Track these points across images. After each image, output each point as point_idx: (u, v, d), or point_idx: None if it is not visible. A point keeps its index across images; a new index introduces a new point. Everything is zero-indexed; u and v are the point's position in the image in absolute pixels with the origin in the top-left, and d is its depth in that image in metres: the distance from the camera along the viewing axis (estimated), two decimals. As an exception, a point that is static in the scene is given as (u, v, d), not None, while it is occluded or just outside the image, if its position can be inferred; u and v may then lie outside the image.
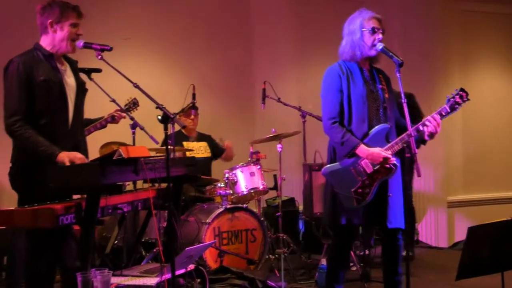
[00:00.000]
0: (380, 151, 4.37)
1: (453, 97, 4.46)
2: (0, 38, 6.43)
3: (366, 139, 4.45)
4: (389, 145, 4.44)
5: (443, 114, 4.45)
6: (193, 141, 6.91)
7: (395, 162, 4.39)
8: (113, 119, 5.64)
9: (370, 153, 4.38)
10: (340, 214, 4.51)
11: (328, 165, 4.56)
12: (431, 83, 8.40)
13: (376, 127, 4.48)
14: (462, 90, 4.47)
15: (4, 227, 5.22)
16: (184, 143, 6.75)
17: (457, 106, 4.45)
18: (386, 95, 4.59)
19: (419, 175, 4.19)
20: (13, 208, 3.87)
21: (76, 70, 4.33)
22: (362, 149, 4.39)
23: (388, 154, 4.36)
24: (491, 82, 9.28)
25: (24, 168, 4.04)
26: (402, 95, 4.23)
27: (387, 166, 4.36)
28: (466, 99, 4.45)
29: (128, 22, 7.29)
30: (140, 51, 7.34)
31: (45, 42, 4.15)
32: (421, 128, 4.44)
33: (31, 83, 3.99)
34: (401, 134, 4.48)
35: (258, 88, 6.92)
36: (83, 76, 4.43)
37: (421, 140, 4.76)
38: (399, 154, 4.56)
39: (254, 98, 7.66)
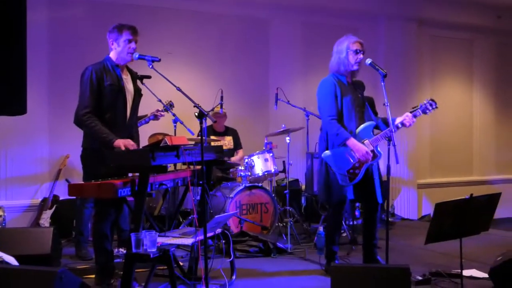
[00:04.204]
0: (364, 148, 4.44)
1: (425, 104, 4.59)
2: (84, 52, 6.51)
3: (358, 130, 4.53)
4: (374, 137, 4.52)
5: (417, 115, 4.58)
6: (220, 136, 6.88)
7: (370, 158, 4.48)
8: (155, 117, 5.74)
9: (356, 145, 4.45)
10: (335, 192, 4.58)
11: (326, 151, 4.60)
12: (407, 92, 8.38)
13: (366, 123, 4.56)
14: (432, 100, 4.61)
15: (74, 197, 5.30)
16: (212, 137, 6.67)
17: (427, 111, 4.59)
18: (365, 101, 4.67)
19: (397, 162, 4.23)
20: (82, 182, 3.93)
21: (135, 79, 4.37)
22: (351, 142, 4.45)
23: (369, 150, 4.44)
24: (452, 92, 9.23)
25: (92, 151, 4.09)
26: (386, 100, 4.22)
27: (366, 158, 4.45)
28: (435, 106, 4.59)
29: (171, 39, 7.29)
30: (179, 62, 7.32)
31: (112, 55, 4.22)
32: (400, 126, 4.51)
33: (100, 86, 4.06)
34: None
35: (272, 93, 6.91)
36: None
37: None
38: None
39: (269, 100, 7.65)
